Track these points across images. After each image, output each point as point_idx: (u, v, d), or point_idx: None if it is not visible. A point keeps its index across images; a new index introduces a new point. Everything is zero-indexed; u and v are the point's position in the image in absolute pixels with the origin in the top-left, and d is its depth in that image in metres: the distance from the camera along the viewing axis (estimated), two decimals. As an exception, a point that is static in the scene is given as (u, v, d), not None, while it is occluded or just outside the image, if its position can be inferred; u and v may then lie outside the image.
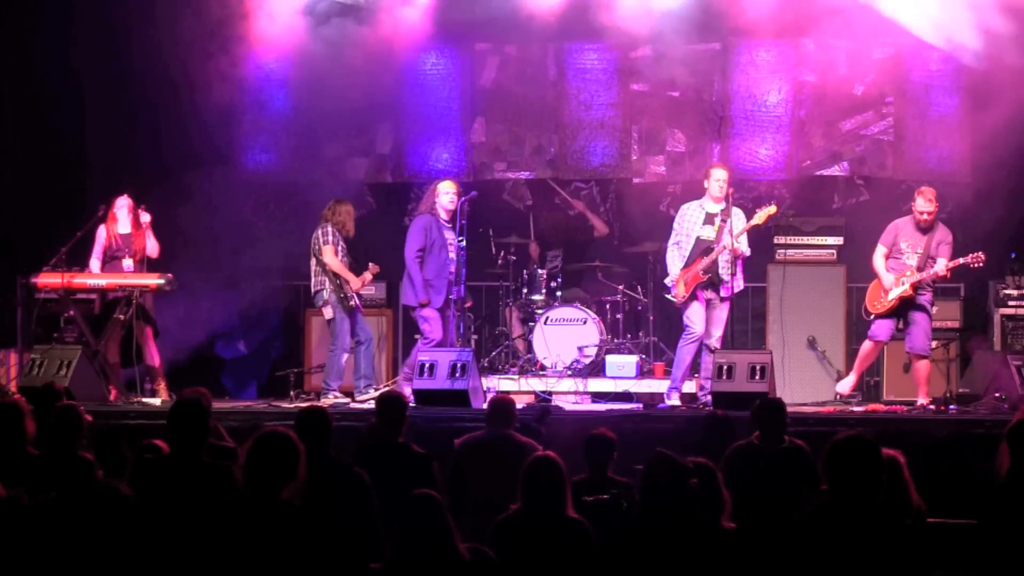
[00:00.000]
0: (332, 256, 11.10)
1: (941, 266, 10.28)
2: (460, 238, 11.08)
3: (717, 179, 10.62)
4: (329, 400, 10.78)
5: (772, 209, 10.75)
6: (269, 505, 4.97)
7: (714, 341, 10.62)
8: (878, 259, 10.59)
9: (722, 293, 10.54)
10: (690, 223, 10.69)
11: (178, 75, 12.27)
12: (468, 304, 11.71)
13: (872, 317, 10.64)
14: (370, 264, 11.28)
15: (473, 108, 13.17)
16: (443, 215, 11.21)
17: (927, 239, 10.41)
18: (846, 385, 10.82)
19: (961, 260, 10.33)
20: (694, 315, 10.61)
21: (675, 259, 10.71)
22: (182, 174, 12.09)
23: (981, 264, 10.39)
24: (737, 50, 12.75)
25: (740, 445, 7.16)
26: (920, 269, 10.39)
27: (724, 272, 10.47)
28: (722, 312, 10.64)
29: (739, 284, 10.68)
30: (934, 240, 10.40)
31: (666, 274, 10.88)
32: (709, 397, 10.29)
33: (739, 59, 12.75)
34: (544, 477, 5.51)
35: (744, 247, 10.59)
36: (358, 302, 11.22)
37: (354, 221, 11.33)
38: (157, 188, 11.67)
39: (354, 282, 11.15)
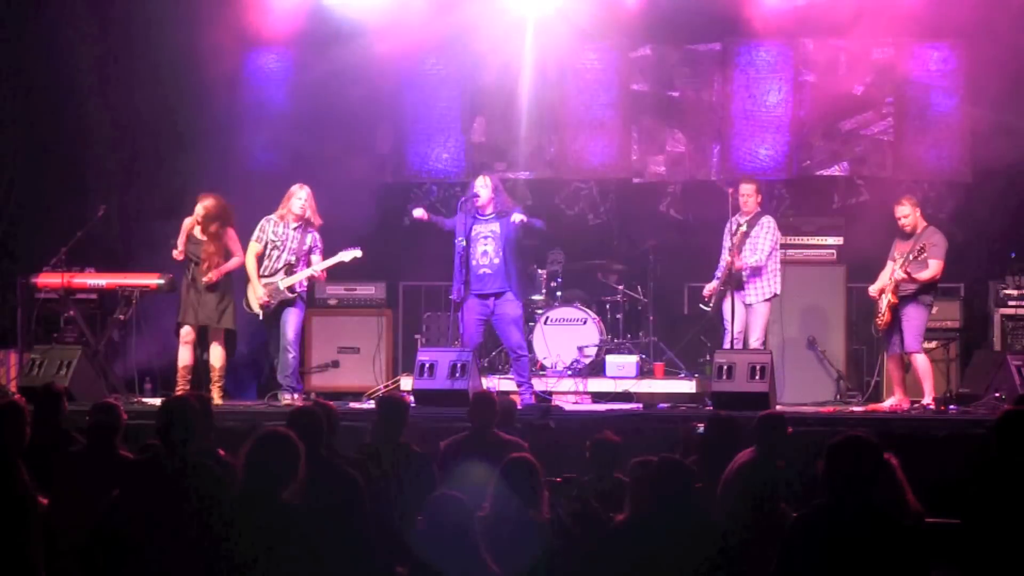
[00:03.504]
0: (250, 253, 10.66)
1: (898, 274, 10.22)
2: (460, 237, 10.84)
3: (743, 194, 10.71)
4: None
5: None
6: (269, 505, 4.97)
7: (753, 342, 10.63)
8: (884, 272, 10.56)
9: (746, 300, 10.63)
10: (727, 234, 10.82)
11: (182, 76, 12.29)
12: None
13: (880, 334, 10.61)
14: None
15: (473, 108, 13.17)
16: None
17: (911, 244, 10.35)
18: (892, 402, 10.57)
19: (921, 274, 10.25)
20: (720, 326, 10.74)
21: (717, 270, 10.85)
22: (182, 174, 12.08)
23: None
24: (737, 50, 12.75)
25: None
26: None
27: (745, 280, 10.59)
28: (751, 316, 10.65)
29: (764, 290, 10.66)
30: (918, 244, 10.32)
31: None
32: None
33: (739, 59, 12.76)
34: (520, 476, 5.60)
35: (750, 260, 10.55)
36: (257, 305, 10.63)
37: (304, 200, 10.65)
38: (157, 188, 11.66)
39: (255, 285, 10.56)
